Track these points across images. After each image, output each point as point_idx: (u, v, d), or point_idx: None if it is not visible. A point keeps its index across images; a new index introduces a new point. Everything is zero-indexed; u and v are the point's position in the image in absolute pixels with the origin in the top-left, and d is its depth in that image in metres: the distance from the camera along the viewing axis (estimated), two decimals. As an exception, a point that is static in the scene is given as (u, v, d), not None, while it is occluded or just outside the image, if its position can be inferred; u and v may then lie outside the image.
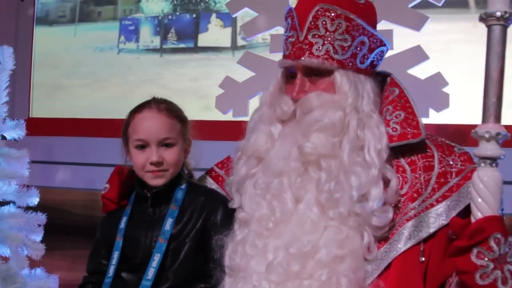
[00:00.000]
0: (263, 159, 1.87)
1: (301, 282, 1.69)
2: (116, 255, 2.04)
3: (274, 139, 1.87)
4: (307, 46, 1.79)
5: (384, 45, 1.88)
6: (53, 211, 3.06)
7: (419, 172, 1.78)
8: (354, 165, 1.73)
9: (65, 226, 3.56)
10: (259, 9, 3.05)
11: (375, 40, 1.83)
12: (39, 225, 3.04)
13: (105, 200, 2.17)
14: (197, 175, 2.21)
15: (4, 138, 2.99)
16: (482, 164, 1.57)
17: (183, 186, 2.09)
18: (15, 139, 3.01)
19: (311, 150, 1.74)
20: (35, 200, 3.02)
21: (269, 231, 1.77)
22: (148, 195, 2.06)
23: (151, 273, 1.96)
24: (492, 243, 1.53)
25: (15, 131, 2.99)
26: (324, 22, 1.78)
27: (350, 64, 1.80)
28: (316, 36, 1.79)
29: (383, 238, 1.75)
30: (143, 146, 2.02)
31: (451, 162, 1.78)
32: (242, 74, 3.12)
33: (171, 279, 1.99)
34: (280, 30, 3.00)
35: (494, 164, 1.57)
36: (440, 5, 2.81)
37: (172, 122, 2.04)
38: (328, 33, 1.78)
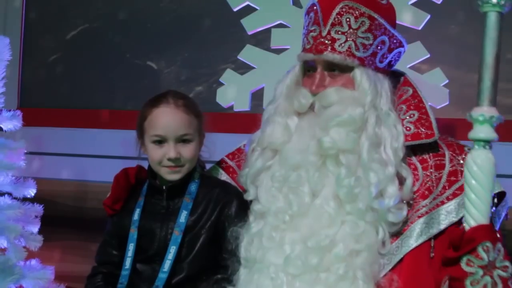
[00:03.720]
0: (279, 151, 1.89)
1: (318, 274, 1.73)
2: (131, 247, 2.06)
3: (291, 131, 1.89)
4: (330, 42, 1.82)
5: (403, 46, 1.92)
6: (42, 202, 3.03)
7: (430, 170, 1.82)
8: (372, 161, 1.76)
9: (55, 217, 3.52)
10: (261, 3, 3.07)
11: (395, 41, 1.88)
12: (36, 217, 3.02)
13: (104, 206, 2.20)
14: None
15: (0, 129, 2.97)
16: (476, 147, 1.60)
17: (196, 179, 2.11)
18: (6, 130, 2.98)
19: (330, 144, 1.77)
20: (32, 192, 3.00)
21: (286, 224, 1.80)
22: (164, 187, 2.08)
23: (167, 265, 1.99)
24: (480, 251, 1.58)
25: (12, 122, 2.96)
26: (348, 19, 1.81)
27: (370, 62, 1.84)
28: (339, 33, 1.81)
29: (396, 233, 1.79)
30: (160, 141, 2.04)
31: (461, 161, 1.81)
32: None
33: (185, 269, 2.02)
34: (282, 24, 3.03)
35: (487, 147, 1.60)
36: (439, 3, 2.87)
37: (190, 118, 2.06)
38: (351, 30, 1.81)
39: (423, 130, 1.81)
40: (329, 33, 1.82)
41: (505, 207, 1.84)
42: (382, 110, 1.81)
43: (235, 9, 3.25)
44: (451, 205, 1.78)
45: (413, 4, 2.90)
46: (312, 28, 1.85)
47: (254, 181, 1.94)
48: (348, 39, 1.81)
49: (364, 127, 1.79)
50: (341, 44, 1.81)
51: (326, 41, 1.82)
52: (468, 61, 2.90)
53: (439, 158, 1.83)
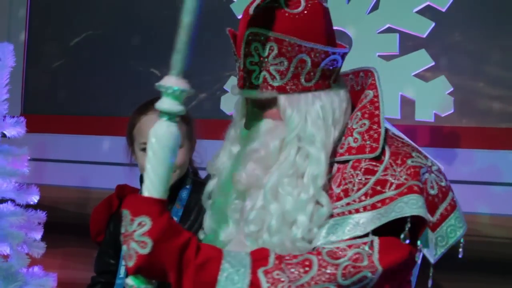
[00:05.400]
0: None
1: None
2: None
3: (231, 159, 1.77)
4: (247, 75, 1.63)
5: (334, 53, 1.66)
6: (45, 209, 3.04)
7: (358, 172, 1.60)
8: (278, 193, 1.60)
9: (57, 223, 3.52)
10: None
11: (317, 54, 1.62)
12: (39, 223, 3.03)
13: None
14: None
15: (4, 135, 2.98)
16: (161, 118, 1.48)
17: (188, 186, 2.10)
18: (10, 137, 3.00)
19: (239, 180, 1.64)
20: (35, 198, 3.01)
21: None
22: None
23: None
24: (123, 218, 1.44)
25: (15, 128, 2.98)
26: (256, 48, 1.60)
27: (294, 86, 1.62)
28: (253, 63, 1.61)
29: None
30: None
31: (396, 173, 1.56)
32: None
33: None
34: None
35: (172, 119, 1.47)
36: (444, 10, 2.88)
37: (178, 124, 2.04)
38: (262, 59, 1.59)
39: (369, 143, 1.60)
40: (245, 65, 1.62)
41: (445, 246, 1.57)
42: (307, 136, 1.61)
43: (239, 16, 3.25)
44: (363, 218, 1.54)
45: (417, 12, 2.90)
46: (235, 58, 1.69)
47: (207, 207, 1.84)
48: (262, 69, 1.60)
49: (281, 160, 1.61)
50: (256, 76, 1.61)
51: (244, 75, 1.63)
52: (473, 69, 2.90)
53: (374, 163, 1.59)
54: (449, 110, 2.82)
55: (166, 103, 1.46)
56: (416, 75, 2.84)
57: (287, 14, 1.59)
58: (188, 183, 2.10)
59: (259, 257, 1.50)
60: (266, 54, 1.58)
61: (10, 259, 2.92)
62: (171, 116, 1.46)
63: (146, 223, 1.41)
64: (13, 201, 2.97)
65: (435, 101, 2.83)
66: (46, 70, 3.99)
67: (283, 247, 1.54)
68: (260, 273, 1.46)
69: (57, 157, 3.91)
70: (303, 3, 1.61)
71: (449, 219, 1.57)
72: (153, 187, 1.46)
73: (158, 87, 1.47)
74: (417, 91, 2.85)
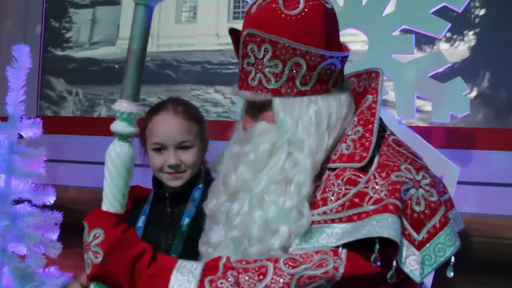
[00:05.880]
0: None
1: None
2: None
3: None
4: (244, 76, 1.61)
5: (331, 57, 1.61)
6: (61, 210, 3.06)
7: (339, 181, 1.56)
8: (264, 200, 1.58)
9: (74, 224, 3.53)
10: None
11: (313, 57, 1.58)
12: (55, 224, 3.05)
13: None
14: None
15: (20, 136, 3.00)
16: (115, 138, 1.56)
17: (200, 185, 2.09)
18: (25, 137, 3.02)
19: (230, 182, 1.64)
20: (51, 199, 3.03)
21: (210, 257, 1.65)
22: (166, 195, 2.07)
23: None
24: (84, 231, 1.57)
25: (32, 129, 3.00)
26: (252, 49, 1.58)
27: (289, 90, 1.59)
28: (250, 65, 1.59)
29: None
30: (160, 149, 2.03)
31: (378, 187, 1.51)
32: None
33: None
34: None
35: (125, 140, 1.56)
36: (460, 11, 2.86)
37: (189, 124, 2.05)
38: (257, 60, 1.58)
39: (359, 152, 1.55)
40: (243, 66, 1.61)
41: (433, 266, 1.48)
42: (297, 141, 1.58)
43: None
44: (338, 228, 1.51)
45: (433, 13, 2.88)
46: (238, 60, 1.69)
47: None
48: (257, 71, 1.58)
49: (271, 165, 1.59)
50: (253, 77, 1.59)
51: (243, 76, 1.61)
52: (489, 70, 2.89)
53: (358, 173, 1.55)
54: (466, 111, 2.79)
55: (118, 125, 1.55)
56: (432, 76, 2.82)
57: (283, 16, 1.56)
58: (201, 182, 2.10)
59: (209, 267, 1.51)
60: (261, 56, 1.57)
61: (27, 259, 2.94)
62: (122, 137, 1.55)
63: (100, 235, 1.52)
64: (29, 201, 2.99)
65: (451, 102, 2.82)
66: (62, 72, 4.01)
67: (261, 256, 1.53)
68: (206, 282, 1.48)
69: (73, 158, 3.93)
70: (302, 3, 1.56)
71: (438, 237, 1.49)
72: (109, 202, 1.57)
73: (112, 110, 1.55)
74: (433, 92, 2.84)
